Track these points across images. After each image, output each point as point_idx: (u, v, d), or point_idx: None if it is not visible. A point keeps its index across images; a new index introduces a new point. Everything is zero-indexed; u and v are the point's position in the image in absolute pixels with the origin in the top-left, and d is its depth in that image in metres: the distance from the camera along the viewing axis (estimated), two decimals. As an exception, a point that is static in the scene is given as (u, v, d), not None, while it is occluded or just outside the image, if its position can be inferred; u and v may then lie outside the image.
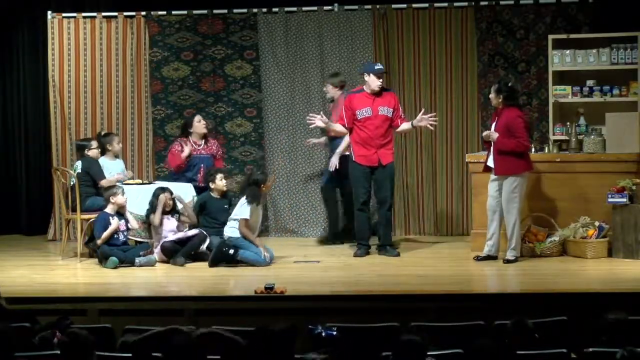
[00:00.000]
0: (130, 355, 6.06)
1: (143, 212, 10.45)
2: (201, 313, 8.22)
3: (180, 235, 10.32)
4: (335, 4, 11.97)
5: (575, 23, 11.52)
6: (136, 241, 10.50)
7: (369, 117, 10.40)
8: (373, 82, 10.40)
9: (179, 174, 11.12)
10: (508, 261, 9.89)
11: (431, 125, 10.49)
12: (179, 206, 10.50)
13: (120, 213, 10.29)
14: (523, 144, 9.85)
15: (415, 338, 5.80)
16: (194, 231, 10.39)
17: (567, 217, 10.31)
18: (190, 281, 9.54)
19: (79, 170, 10.68)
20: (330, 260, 10.43)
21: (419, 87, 11.87)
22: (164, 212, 10.35)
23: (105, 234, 10.12)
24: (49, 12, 12.18)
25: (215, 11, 12.09)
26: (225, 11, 12.09)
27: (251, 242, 10.14)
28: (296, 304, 8.40)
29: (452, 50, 11.79)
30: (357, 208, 10.56)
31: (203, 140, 11.23)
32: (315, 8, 11.97)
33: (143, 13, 12.15)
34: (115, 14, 12.21)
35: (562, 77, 11.23)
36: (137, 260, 10.09)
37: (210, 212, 10.62)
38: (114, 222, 10.16)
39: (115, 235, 10.19)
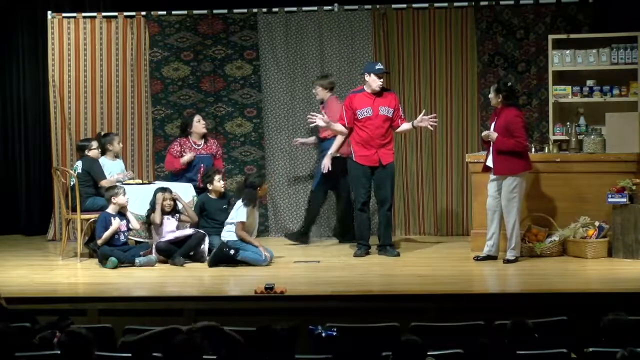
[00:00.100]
0: (130, 355, 6.06)
1: (143, 212, 10.46)
2: (201, 313, 8.22)
3: (176, 235, 10.31)
4: (335, 4, 11.97)
5: (575, 23, 11.52)
6: (136, 241, 10.50)
7: (370, 117, 10.40)
8: (374, 82, 10.40)
9: (178, 176, 11.13)
10: (508, 261, 9.89)
11: (431, 125, 10.50)
12: (180, 206, 10.50)
13: (122, 213, 10.29)
14: (522, 143, 9.85)
15: (415, 338, 5.80)
16: (189, 231, 10.37)
17: (567, 217, 10.30)
18: (190, 281, 9.54)
19: (80, 171, 10.68)
20: (330, 260, 10.43)
21: (419, 87, 11.87)
22: (165, 213, 10.35)
23: (106, 234, 10.12)
24: (49, 12, 12.18)
25: (215, 11, 12.09)
26: (225, 11, 12.09)
27: (249, 244, 10.14)
28: (296, 304, 8.40)
29: (452, 50, 11.79)
30: (357, 208, 10.57)
31: (203, 140, 11.24)
32: (315, 8, 11.97)
33: (143, 13, 12.16)
34: (115, 14, 12.21)
35: (562, 77, 11.23)
36: (137, 260, 10.09)
37: (209, 213, 10.62)
38: (115, 223, 10.16)
39: (116, 236, 10.19)
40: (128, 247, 10.29)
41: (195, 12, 12.11)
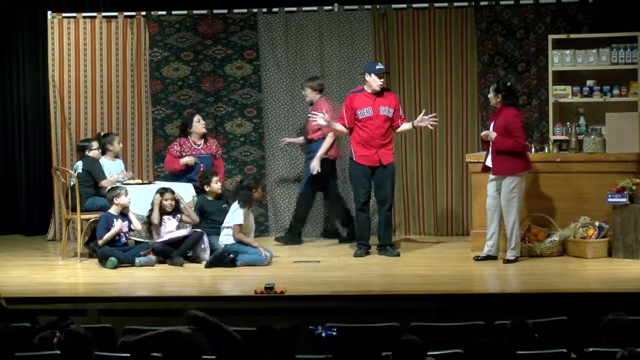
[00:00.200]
0: (130, 355, 6.05)
1: (143, 212, 10.45)
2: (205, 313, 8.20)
3: (171, 236, 10.30)
4: (335, 4, 11.97)
5: (575, 23, 11.52)
6: (136, 241, 10.50)
7: (370, 117, 10.40)
8: (374, 82, 10.41)
9: (178, 176, 11.14)
10: (508, 261, 9.89)
11: (432, 125, 10.50)
12: (181, 206, 10.49)
13: (124, 214, 10.29)
14: (520, 143, 9.85)
15: (415, 338, 5.80)
16: (185, 231, 10.36)
17: (567, 217, 10.30)
18: (190, 281, 9.54)
19: (80, 171, 10.68)
20: (330, 260, 10.43)
21: (419, 87, 11.87)
22: (167, 213, 10.35)
23: (108, 236, 10.12)
24: (49, 12, 12.18)
25: (215, 11, 12.09)
26: (225, 11, 12.09)
27: (248, 245, 10.14)
28: (296, 304, 8.40)
29: (452, 50, 11.79)
30: (357, 208, 10.57)
31: (202, 140, 11.24)
32: (315, 8, 11.97)
33: (143, 13, 12.16)
34: (115, 14, 12.21)
35: (562, 77, 11.23)
36: (137, 260, 10.09)
37: (209, 214, 10.62)
38: (118, 224, 10.15)
39: (117, 237, 10.19)
40: (128, 247, 10.29)
41: (195, 12, 12.11)
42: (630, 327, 6.16)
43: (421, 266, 10.05)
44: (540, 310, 7.57)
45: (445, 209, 11.90)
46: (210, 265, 10.01)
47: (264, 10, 12.04)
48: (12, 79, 12.65)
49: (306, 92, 11.37)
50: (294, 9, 12.00)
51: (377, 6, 11.89)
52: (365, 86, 10.52)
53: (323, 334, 6.69)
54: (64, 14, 12.21)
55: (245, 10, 12.05)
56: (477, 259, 10.10)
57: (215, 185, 10.68)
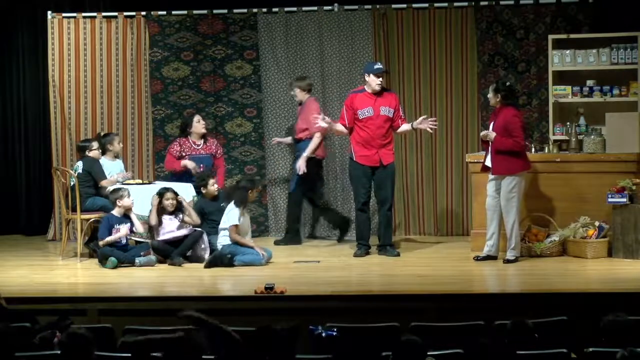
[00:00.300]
0: (130, 355, 6.05)
1: (143, 212, 10.45)
2: (201, 313, 8.19)
3: (171, 235, 10.30)
4: (335, 4, 11.97)
5: (575, 23, 11.52)
6: (136, 241, 10.49)
7: (371, 117, 10.41)
8: (373, 81, 10.42)
9: (178, 176, 11.14)
10: (508, 261, 9.89)
11: (431, 129, 10.50)
12: (184, 207, 10.49)
13: (126, 215, 10.29)
14: (520, 143, 9.85)
15: (415, 338, 5.80)
16: (185, 230, 10.36)
17: (567, 217, 10.30)
18: (190, 281, 9.54)
19: (80, 171, 10.68)
20: (330, 260, 10.43)
21: (419, 87, 11.87)
22: (169, 213, 10.35)
23: (110, 239, 10.12)
24: (49, 12, 12.18)
25: (215, 11, 12.09)
26: (225, 11, 12.09)
27: (244, 246, 10.14)
28: (296, 304, 8.40)
29: (452, 50, 11.79)
30: (357, 208, 10.57)
31: (202, 140, 11.25)
32: (315, 8, 11.97)
33: (143, 13, 12.16)
34: (115, 14, 12.21)
35: (562, 77, 11.23)
36: (137, 260, 10.09)
37: (209, 215, 10.61)
38: (123, 230, 10.14)
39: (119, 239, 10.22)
40: (128, 246, 10.29)
41: (195, 12, 12.11)
42: (630, 327, 6.16)
43: (421, 266, 10.05)
44: (540, 310, 7.57)
45: (445, 209, 11.90)
46: (209, 265, 10.00)
47: (264, 10, 12.04)
48: (12, 79, 12.65)
49: (295, 92, 11.38)
50: (294, 9, 12.00)
51: (377, 6, 11.89)
52: (365, 86, 10.53)
53: (323, 334, 6.69)
54: (64, 14, 12.20)
55: (245, 10, 12.05)
56: (477, 259, 10.10)
57: (212, 187, 10.69)
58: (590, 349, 6.03)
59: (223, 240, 10.20)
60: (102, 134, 11.54)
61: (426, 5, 11.83)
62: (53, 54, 12.18)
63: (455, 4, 11.76)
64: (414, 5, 11.84)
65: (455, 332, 6.90)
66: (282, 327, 5.96)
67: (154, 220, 10.32)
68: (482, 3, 11.73)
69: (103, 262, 10.08)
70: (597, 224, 10.09)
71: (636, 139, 10.45)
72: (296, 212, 11.49)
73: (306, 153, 11.11)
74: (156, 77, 12.14)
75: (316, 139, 11.11)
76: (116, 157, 11.15)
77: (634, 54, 10.92)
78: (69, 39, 12.18)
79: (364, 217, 10.57)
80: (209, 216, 10.60)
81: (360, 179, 10.47)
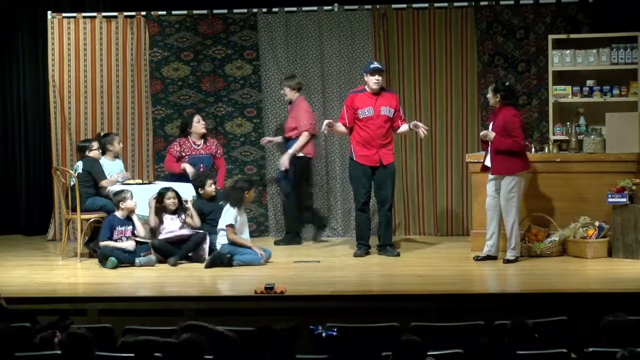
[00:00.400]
0: (130, 355, 6.06)
1: (142, 212, 10.45)
2: (201, 313, 8.21)
3: (171, 235, 10.29)
4: (335, 4, 11.97)
5: (575, 23, 11.52)
6: (137, 241, 10.49)
7: (371, 117, 10.41)
8: (370, 80, 10.45)
9: (178, 176, 11.15)
10: (508, 261, 9.89)
11: (423, 133, 10.45)
12: (185, 207, 10.49)
13: (129, 217, 10.29)
14: (519, 143, 9.85)
15: (415, 338, 5.80)
16: (186, 230, 10.36)
17: (567, 217, 10.30)
18: (190, 281, 9.54)
19: (80, 171, 10.68)
20: (330, 260, 10.43)
21: (419, 87, 11.87)
22: (171, 212, 10.35)
23: (112, 244, 10.11)
24: (49, 12, 12.18)
25: (215, 11, 12.09)
26: (225, 11, 12.09)
27: (242, 246, 10.14)
28: (296, 304, 8.40)
29: (452, 50, 11.79)
30: (357, 208, 10.58)
31: (202, 140, 11.25)
32: (315, 8, 11.98)
33: (143, 13, 12.16)
34: (115, 14, 12.21)
35: (562, 77, 11.23)
36: (137, 260, 10.09)
37: (208, 215, 10.61)
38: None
39: (119, 239, 10.19)
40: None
41: (195, 12, 12.11)
42: (630, 327, 6.16)
43: (421, 266, 10.05)
44: (540, 310, 7.57)
45: (445, 209, 11.90)
46: (209, 265, 10.01)
47: (264, 10, 12.04)
48: (12, 79, 12.65)
49: (285, 91, 11.39)
50: (294, 9, 12.00)
51: (377, 6, 11.89)
52: (366, 86, 10.54)
53: (323, 334, 6.70)
54: (64, 14, 12.21)
55: (245, 10, 12.05)
56: (477, 259, 10.10)
57: (209, 188, 10.69)
58: (590, 349, 6.03)
59: (222, 240, 10.21)
60: (102, 134, 11.54)
61: (426, 5, 11.84)
62: (53, 54, 12.18)
63: (455, 4, 11.77)
64: (414, 5, 11.85)
65: (455, 332, 6.90)
66: (282, 327, 5.97)
67: (153, 222, 10.33)
68: (482, 3, 11.73)
69: (103, 262, 10.08)
70: (597, 224, 10.09)
71: (636, 139, 10.45)
72: (297, 212, 11.49)
73: (291, 150, 11.14)
74: (156, 77, 12.15)
75: (303, 138, 11.13)
76: (116, 157, 11.15)
77: (634, 54, 10.92)
78: (69, 39, 12.18)
79: (364, 217, 10.57)
80: (209, 216, 10.60)
81: (361, 179, 10.47)
